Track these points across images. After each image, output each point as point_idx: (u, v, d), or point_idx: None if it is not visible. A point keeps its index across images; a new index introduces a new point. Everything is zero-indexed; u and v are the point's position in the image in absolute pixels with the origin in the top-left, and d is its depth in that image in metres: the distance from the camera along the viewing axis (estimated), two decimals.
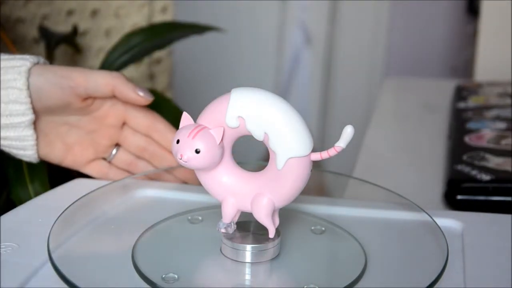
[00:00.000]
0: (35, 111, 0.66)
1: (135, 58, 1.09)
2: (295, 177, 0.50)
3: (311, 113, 1.71)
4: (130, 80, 0.68)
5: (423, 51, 1.64)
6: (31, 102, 0.65)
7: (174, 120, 0.92)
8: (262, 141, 0.51)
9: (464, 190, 0.71)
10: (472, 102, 0.99)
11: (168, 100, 1.00)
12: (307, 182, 0.51)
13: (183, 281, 0.49)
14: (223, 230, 0.53)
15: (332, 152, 0.50)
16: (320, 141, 1.71)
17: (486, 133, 0.85)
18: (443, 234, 0.55)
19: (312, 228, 0.58)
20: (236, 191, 0.52)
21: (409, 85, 1.23)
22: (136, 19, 1.50)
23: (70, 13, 1.40)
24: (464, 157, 0.77)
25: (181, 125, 0.52)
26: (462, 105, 0.98)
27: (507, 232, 0.59)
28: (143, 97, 0.68)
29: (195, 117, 0.52)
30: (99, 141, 0.71)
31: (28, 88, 0.65)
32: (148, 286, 0.48)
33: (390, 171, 0.84)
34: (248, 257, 0.52)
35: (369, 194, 0.65)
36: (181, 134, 0.51)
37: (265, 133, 0.50)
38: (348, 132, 0.49)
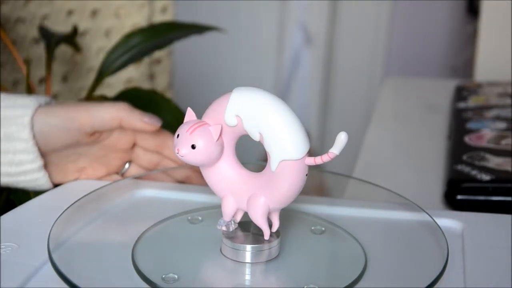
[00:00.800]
0: (43, 153, 0.67)
1: (135, 58, 1.09)
2: (289, 180, 0.50)
3: (311, 113, 1.71)
4: (134, 109, 0.68)
5: (423, 51, 1.64)
6: (39, 149, 0.66)
7: (174, 120, 0.92)
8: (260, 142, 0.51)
9: (464, 190, 0.71)
10: (472, 102, 0.99)
11: (168, 100, 1.00)
12: (305, 184, 0.51)
13: (183, 281, 0.49)
14: (223, 228, 0.53)
15: (325, 158, 0.50)
16: (320, 141, 1.71)
17: (486, 133, 0.85)
18: (443, 234, 0.55)
19: (312, 228, 0.58)
20: (234, 189, 0.52)
21: (409, 85, 1.23)
22: (136, 19, 1.50)
23: (70, 13, 1.40)
24: (464, 157, 0.77)
25: (185, 120, 0.53)
26: (462, 105, 0.98)
27: (507, 232, 0.59)
28: (150, 125, 0.68)
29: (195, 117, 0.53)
30: (110, 162, 0.71)
31: (34, 137, 0.65)
32: (148, 286, 0.48)
33: (390, 171, 0.84)
34: (248, 257, 0.52)
35: (369, 194, 0.65)
36: (182, 129, 0.51)
37: (260, 133, 0.50)
38: (341, 139, 0.49)
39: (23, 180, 0.67)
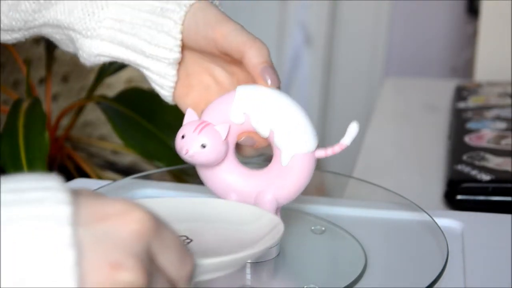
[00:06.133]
0: (183, 47, 0.59)
1: None
2: (300, 174, 0.50)
3: (311, 113, 1.71)
4: (271, 63, 0.56)
5: (423, 51, 1.64)
6: (182, 39, 0.58)
7: (174, 120, 0.92)
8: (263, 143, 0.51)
9: (464, 190, 0.71)
10: (472, 102, 0.99)
11: None
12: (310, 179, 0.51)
13: None
14: None
15: (337, 149, 0.50)
16: (320, 141, 1.71)
17: (486, 133, 0.85)
18: (443, 234, 0.55)
19: (312, 228, 0.58)
20: (238, 189, 0.52)
21: (409, 85, 1.23)
22: None
23: None
24: (464, 157, 0.77)
25: (185, 121, 0.52)
26: (462, 105, 0.98)
27: (507, 232, 0.59)
28: (267, 82, 0.54)
29: None
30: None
31: (183, 23, 0.57)
32: None
33: (390, 171, 0.84)
34: None
35: (369, 194, 0.65)
36: (186, 129, 0.51)
37: (271, 129, 0.50)
38: (353, 128, 0.50)
39: (152, 69, 0.59)
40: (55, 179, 0.33)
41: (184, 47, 0.58)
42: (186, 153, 0.50)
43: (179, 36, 0.57)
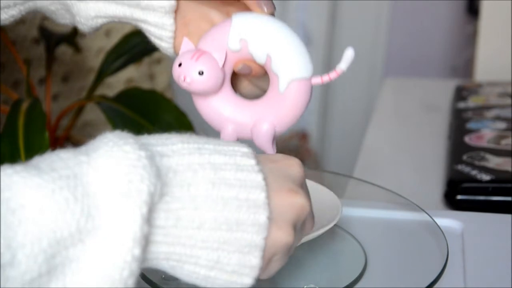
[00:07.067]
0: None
1: (135, 58, 1.09)
2: (297, 100, 0.50)
3: (311, 113, 1.71)
4: None
5: (423, 51, 1.64)
6: None
7: (174, 120, 0.92)
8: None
9: (464, 190, 0.71)
10: (472, 102, 0.99)
11: (168, 100, 1.00)
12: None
13: (183, 281, 0.49)
14: None
15: (333, 75, 0.50)
16: (320, 141, 1.71)
17: (486, 133, 0.85)
18: (443, 234, 0.55)
19: None
20: (235, 119, 0.52)
21: (409, 85, 1.23)
22: None
23: None
24: (464, 157, 0.77)
25: (181, 50, 0.52)
26: (462, 105, 0.98)
27: (507, 232, 0.59)
28: (263, 10, 0.55)
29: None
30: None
31: None
32: (148, 286, 0.48)
33: (390, 171, 0.84)
34: None
35: (369, 194, 0.65)
36: (184, 57, 0.51)
37: (268, 55, 0.50)
38: (349, 54, 0.50)
39: (149, 21, 0.58)
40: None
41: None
42: (184, 80, 0.50)
43: None
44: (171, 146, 0.43)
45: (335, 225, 0.58)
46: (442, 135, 0.92)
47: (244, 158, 0.43)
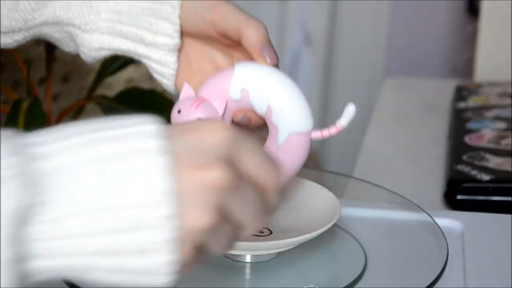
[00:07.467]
0: (182, 34, 0.59)
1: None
2: (295, 153, 0.50)
3: (311, 113, 1.72)
4: (268, 38, 0.56)
5: (423, 51, 1.64)
6: (180, 25, 0.58)
7: None
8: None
9: (464, 190, 0.71)
10: (472, 102, 0.99)
11: (168, 100, 1.00)
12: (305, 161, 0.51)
13: (183, 281, 0.49)
14: None
15: (333, 130, 0.50)
16: (320, 141, 1.71)
17: (486, 133, 0.85)
18: (443, 234, 0.55)
19: None
20: None
21: (409, 85, 1.23)
22: None
23: None
24: (464, 157, 0.77)
25: (181, 96, 0.52)
26: (462, 105, 0.98)
27: (507, 232, 0.59)
28: (267, 60, 0.55)
29: None
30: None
31: (181, 8, 0.57)
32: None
33: (390, 171, 0.84)
34: (248, 257, 0.52)
35: (369, 194, 0.65)
36: (183, 104, 0.50)
37: (268, 106, 0.50)
38: (350, 110, 0.49)
39: (153, 58, 0.59)
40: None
41: (183, 34, 0.58)
42: None
43: (178, 21, 0.57)
44: (58, 144, 0.36)
45: (334, 225, 0.58)
46: (442, 135, 0.92)
47: (145, 140, 0.36)
